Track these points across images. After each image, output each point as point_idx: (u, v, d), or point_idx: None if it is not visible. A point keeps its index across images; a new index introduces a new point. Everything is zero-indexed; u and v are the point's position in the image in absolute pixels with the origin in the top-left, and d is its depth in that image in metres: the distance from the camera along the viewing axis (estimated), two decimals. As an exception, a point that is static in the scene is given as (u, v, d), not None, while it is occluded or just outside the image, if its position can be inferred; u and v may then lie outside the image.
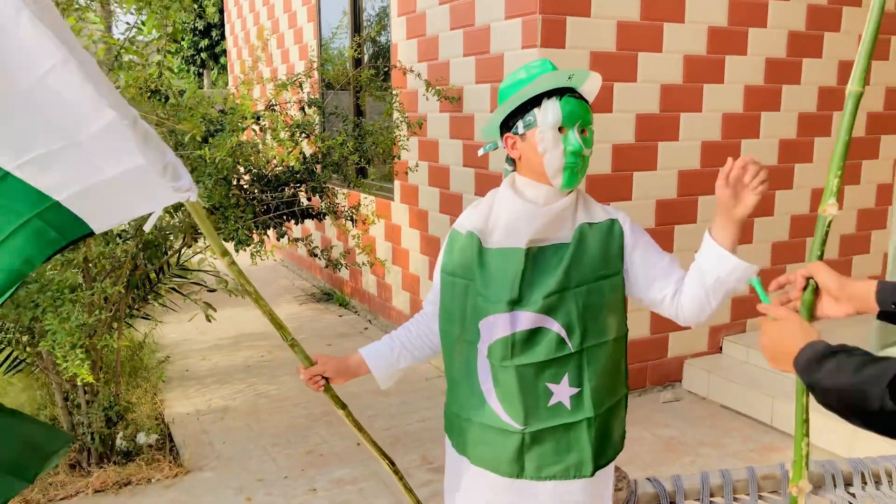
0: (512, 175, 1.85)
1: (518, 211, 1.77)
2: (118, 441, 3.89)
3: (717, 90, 4.55)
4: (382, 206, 5.96)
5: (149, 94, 3.69)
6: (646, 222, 4.44)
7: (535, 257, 1.76)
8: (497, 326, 1.75)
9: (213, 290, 4.44)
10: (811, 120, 4.92)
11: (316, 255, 4.74)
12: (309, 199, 4.38)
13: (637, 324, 4.55)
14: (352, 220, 4.49)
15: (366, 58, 6.39)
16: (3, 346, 3.71)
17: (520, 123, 1.76)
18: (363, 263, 5.19)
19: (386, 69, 5.42)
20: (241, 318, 6.43)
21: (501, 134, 1.84)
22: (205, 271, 4.56)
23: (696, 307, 1.72)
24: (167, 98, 3.85)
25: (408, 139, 4.97)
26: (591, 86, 1.80)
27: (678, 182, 4.54)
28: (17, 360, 3.99)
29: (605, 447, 1.83)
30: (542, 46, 4.00)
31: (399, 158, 5.07)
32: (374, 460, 3.83)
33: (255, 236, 3.93)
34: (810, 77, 4.85)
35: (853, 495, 2.01)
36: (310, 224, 7.55)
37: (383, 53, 6.00)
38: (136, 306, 4.12)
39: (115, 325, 3.75)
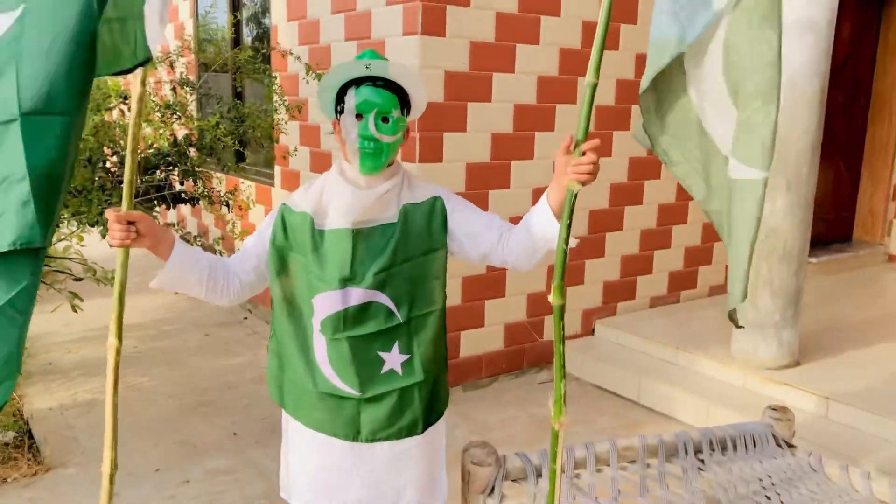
0: (342, 159, 1.93)
1: (344, 193, 1.85)
2: (-30, 440, 3.64)
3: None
4: (262, 192, 5.83)
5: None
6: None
7: (367, 237, 1.85)
8: (329, 302, 1.84)
9: (79, 279, 4.20)
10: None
11: (188, 242, 4.58)
12: (182, 184, 4.22)
13: (514, 308, 4.69)
14: (227, 205, 4.36)
15: (246, 39, 6.21)
16: None
17: (338, 110, 1.86)
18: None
19: (265, 52, 5.29)
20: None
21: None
22: (70, 258, 4.30)
23: (525, 256, 1.89)
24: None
25: (286, 123, 4.88)
26: (407, 77, 1.84)
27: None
28: None
29: (435, 406, 1.99)
30: (422, 34, 4.02)
31: (278, 142, 4.97)
32: (251, 450, 3.76)
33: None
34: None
35: (702, 461, 2.17)
36: (186, 211, 7.28)
37: (265, 36, 5.85)
38: (-11, 295, 3.84)
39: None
